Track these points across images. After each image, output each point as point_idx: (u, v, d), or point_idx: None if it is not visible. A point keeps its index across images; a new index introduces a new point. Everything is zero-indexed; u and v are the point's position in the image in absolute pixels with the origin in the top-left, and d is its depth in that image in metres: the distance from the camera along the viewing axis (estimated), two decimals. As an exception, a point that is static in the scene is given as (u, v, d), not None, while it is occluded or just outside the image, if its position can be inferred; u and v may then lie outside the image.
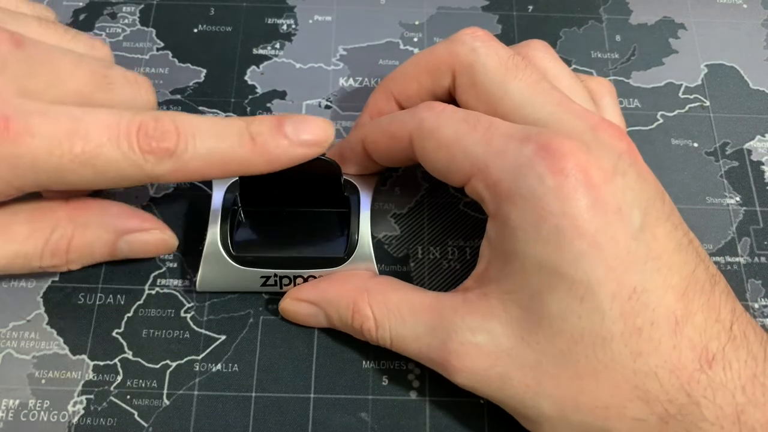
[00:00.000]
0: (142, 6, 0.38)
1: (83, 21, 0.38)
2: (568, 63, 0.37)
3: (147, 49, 0.37)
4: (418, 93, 0.30)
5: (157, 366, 0.29)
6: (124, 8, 0.38)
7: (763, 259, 0.33)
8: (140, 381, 0.29)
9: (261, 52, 0.37)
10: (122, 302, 0.31)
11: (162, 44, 0.37)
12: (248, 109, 0.35)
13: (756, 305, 0.31)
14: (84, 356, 0.29)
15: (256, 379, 0.29)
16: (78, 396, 0.29)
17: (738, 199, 0.34)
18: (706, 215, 0.33)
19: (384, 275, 0.30)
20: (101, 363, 0.29)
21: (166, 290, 0.31)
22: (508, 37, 0.38)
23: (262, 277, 0.30)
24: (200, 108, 0.35)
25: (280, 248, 0.30)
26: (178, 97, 0.36)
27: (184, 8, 0.38)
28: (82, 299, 0.30)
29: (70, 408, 0.29)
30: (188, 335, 0.30)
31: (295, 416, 0.29)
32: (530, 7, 0.39)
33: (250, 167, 0.26)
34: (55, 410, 0.28)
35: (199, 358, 0.30)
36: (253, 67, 0.37)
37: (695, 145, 0.35)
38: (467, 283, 0.27)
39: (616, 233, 0.24)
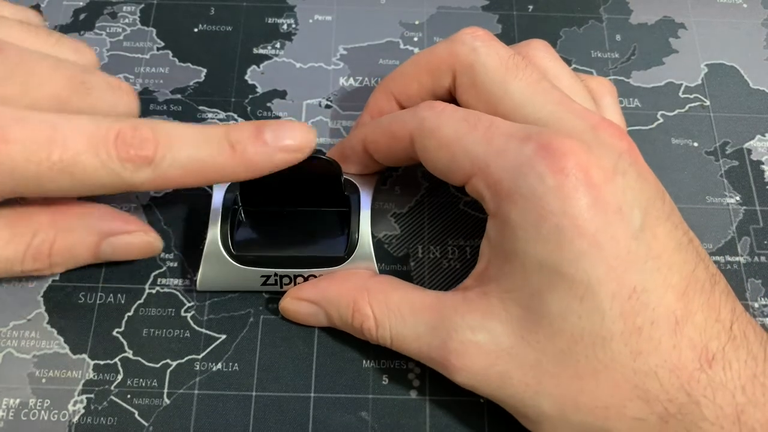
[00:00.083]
0: (143, 5, 0.38)
1: (83, 21, 0.38)
2: (569, 63, 0.37)
3: (147, 48, 0.37)
4: (419, 93, 0.30)
5: (158, 365, 0.29)
6: (124, 8, 0.38)
7: (763, 258, 0.33)
8: (141, 380, 0.29)
9: (261, 51, 0.37)
10: (123, 301, 0.31)
11: (162, 44, 0.37)
12: (248, 108, 0.35)
13: (756, 305, 0.31)
14: (84, 355, 0.29)
15: (257, 379, 0.29)
16: (78, 395, 0.29)
17: (738, 198, 0.34)
18: (706, 215, 0.34)
19: (384, 274, 0.30)
20: (102, 362, 0.29)
21: (166, 289, 0.31)
22: (508, 36, 0.38)
23: (262, 276, 0.30)
24: (200, 107, 0.35)
25: (280, 247, 0.30)
26: (179, 96, 0.36)
27: (184, 8, 0.38)
28: (82, 298, 0.30)
29: (70, 407, 0.29)
30: (189, 334, 0.30)
31: (295, 415, 0.29)
32: (530, 7, 0.39)
33: (230, 175, 0.26)
34: (55, 409, 0.28)
35: (200, 357, 0.30)
36: (254, 66, 0.37)
37: (695, 144, 0.35)
38: (467, 282, 0.27)
39: (616, 233, 0.24)
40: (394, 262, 0.32)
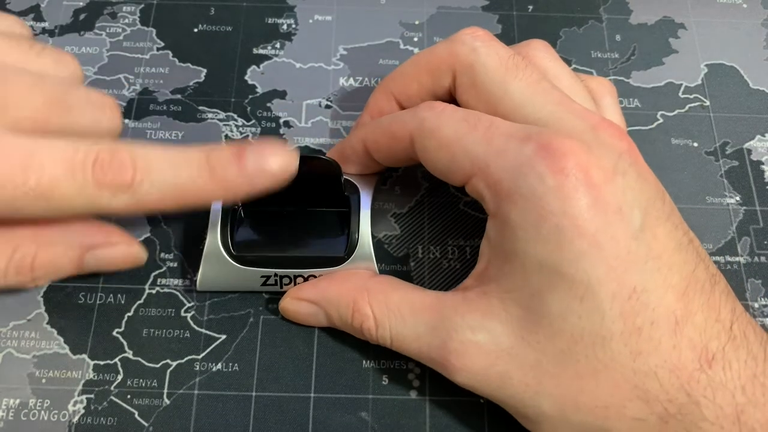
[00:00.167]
0: (143, 6, 0.38)
1: (83, 21, 0.38)
2: (568, 63, 0.37)
3: (147, 48, 0.37)
4: (419, 93, 0.30)
5: (158, 365, 0.29)
6: (124, 8, 0.38)
7: (763, 258, 0.33)
8: (140, 380, 0.29)
9: (261, 51, 0.37)
10: (123, 302, 0.31)
11: (162, 44, 0.37)
12: (248, 108, 0.35)
13: (756, 305, 0.31)
14: (84, 356, 0.29)
15: (257, 379, 0.29)
16: (78, 395, 0.29)
17: (738, 198, 0.34)
18: (706, 215, 0.34)
19: (384, 275, 0.30)
20: (101, 362, 0.29)
21: (166, 290, 0.31)
22: (508, 36, 0.38)
23: (262, 276, 0.30)
24: (200, 107, 0.35)
25: (280, 248, 0.30)
26: (179, 96, 0.36)
27: (184, 8, 0.38)
28: (82, 299, 0.30)
29: (70, 407, 0.29)
30: (188, 335, 0.30)
31: (295, 416, 0.29)
32: (530, 7, 0.39)
33: (209, 198, 0.26)
34: (55, 410, 0.28)
35: (200, 357, 0.30)
36: (254, 66, 0.37)
37: (695, 144, 0.35)
38: (467, 282, 0.27)
39: (616, 233, 0.24)
40: (394, 262, 0.32)
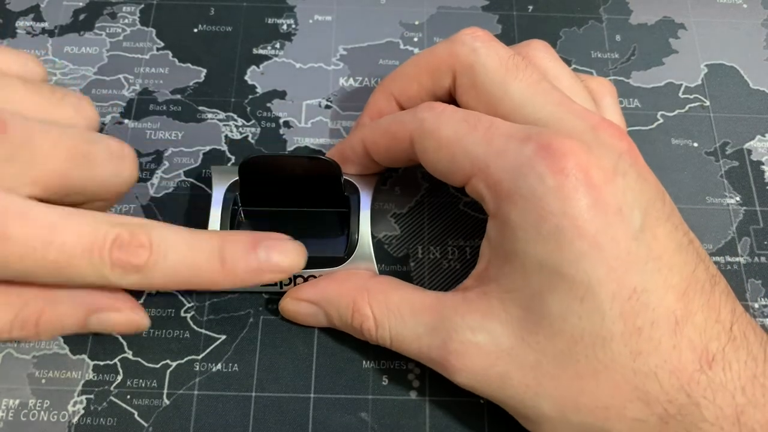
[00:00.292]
0: (142, 6, 0.38)
1: (83, 21, 0.38)
2: (568, 63, 0.37)
3: (147, 48, 0.37)
4: (419, 93, 0.30)
5: (157, 366, 0.29)
6: (124, 8, 0.38)
7: (763, 258, 0.33)
8: (140, 381, 0.29)
9: (261, 51, 0.37)
10: (122, 302, 0.30)
11: (162, 44, 0.37)
12: (248, 108, 0.35)
13: (756, 305, 0.31)
14: (84, 356, 0.29)
15: (256, 379, 0.29)
16: (78, 396, 0.29)
17: (738, 198, 0.34)
18: (706, 215, 0.34)
19: (384, 275, 0.30)
20: (101, 363, 0.29)
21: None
22: (508, 37, 0.38)
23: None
24: (200, 108, 0.35)
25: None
26: (179, 96, 0.36)
27: (184, 8, 0.38)
28: (82, 299, 0.30)
29: (70, 408, 0.29)
30: (188, 335, 0.30)
31: (295, 416, 0.29)
32: (530, 7, 0.39)
33: (212, 285, 0.26)
34: (55, 410, 0.28)
35: (199, 357, 0.30)
36: (253, 66, 0.37)
37: (695, 145, 0.35)
38: (467, 282, 0.27)
39: (616, 233, 0.23)
40: (394, 263, 0.32)
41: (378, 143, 0.29)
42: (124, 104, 0.35)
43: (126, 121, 0.35)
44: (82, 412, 0.28)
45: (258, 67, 0.37)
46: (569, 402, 0.24)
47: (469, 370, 0.25)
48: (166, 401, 0.29)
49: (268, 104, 0.36)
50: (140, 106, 0.35)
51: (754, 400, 0.23)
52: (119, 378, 0.29)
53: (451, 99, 0.29)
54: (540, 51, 0.30)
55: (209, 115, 0.35)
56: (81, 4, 0.38)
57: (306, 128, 0.35)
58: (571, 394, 0.24)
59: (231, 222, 0.29)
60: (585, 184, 0.24)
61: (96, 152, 0.26)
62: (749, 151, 0.35)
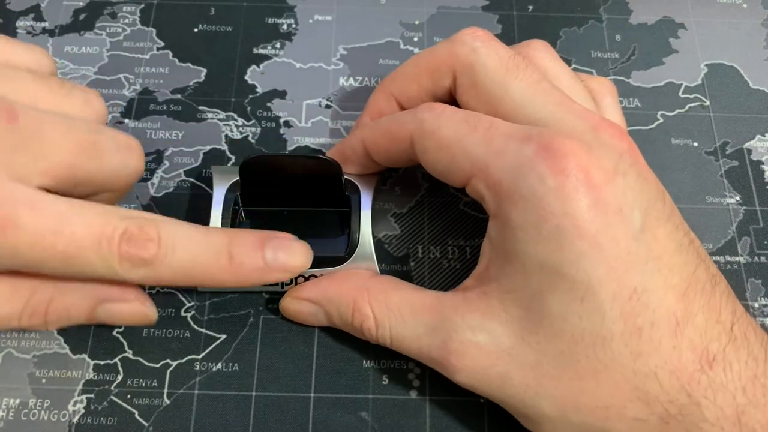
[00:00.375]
0: (143, 6, 0.38)
1: (83, 21, 0.38)
2: (568, 63, 0.37)
3: (147, 48, 0.37)
4: (419, 93, 0.30)
5: (158, 365, 0.29)
6: (124, 8, 0.38)
7: (763, 258, 0.33)
8: (141, 380, 0.29)
9: (261, 51, 0.37)
10: (123, 301, 0.31)
11: (162, 44, 0.37)
12: (248, 108, 0.35)
13: (756, 305, 0.32)
14: (84, 355, 0.29)
15: (257, 379, 0.29)
16: (78, 395, 0.29)
17: (738, 198, 0.34)
18: (706, 215, 0.34)
19: (385, 275, 0.30)
20: (102, 362, 0.29)
21: (166, 289, 0.31)
22: (508, 36, 0.38)
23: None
24: (200, 107, 0.35)
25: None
26: (179, 96, 0.36)
27: (184, 8, 0.38)
28: (82, 298, 0.30)
29: (70, 407, 0.29)
30: (189, 334, 0.30)
31: (295, 415, 0.29)
32: (530, 7, 0.39)
33: (219, 282, 0.26)
34: (55, 409, 0.28)
35: (200, 357, 0.30)
36: (254, 66, 0.37)
37: (695, 144, 0.35)
38: (467, 282, 0.27)
39: (616, 233, 0.24)
40: (394, 262, 0.32)
41: (378, 143, 0.29)
42: (124, 104, 0.35)
43: (126, 120, 0.35)
44: (83, 411, 0.28)
45: (258, 67, 0.37)
46: (569, 402, 0.24)
47: (470, 370, 0.25)
48: (167, 401, 0.29)
49: (269, 104, 0.36)
50: (140, 106, 0.35)
51: (754, 400, 0.23)
52: (120, 377, 0.29)
53: (452, 99, 0.29)
54: (540, 51, 0.30)
55: (209, 115, 0.35)
56: (81, 3, 0.38)
57: (306, 128, 0.35)
58: (572, 394, 0.24)
59: (232, 222, 0.29)
60: (585, 184, 0.24)
61: (104, 143, 0.27)
62: (749, 151, 0.35)
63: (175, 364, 0.29)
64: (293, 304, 0.29)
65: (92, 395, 0.29)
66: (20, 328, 0.27)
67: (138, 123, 0.35)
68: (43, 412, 0.28)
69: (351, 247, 0.29)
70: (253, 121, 0.35)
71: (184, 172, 0.34)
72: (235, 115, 0.35)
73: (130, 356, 0.30)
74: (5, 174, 0.24)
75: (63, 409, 0.28)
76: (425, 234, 0.33)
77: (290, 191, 0.30)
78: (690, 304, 0.24)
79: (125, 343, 0.30)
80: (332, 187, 0.30)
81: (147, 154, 0.34)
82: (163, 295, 0.31)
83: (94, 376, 0.29)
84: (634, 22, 0.39)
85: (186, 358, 0.30)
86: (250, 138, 0.35)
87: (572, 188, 0.24)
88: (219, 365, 0.30)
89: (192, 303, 0.31)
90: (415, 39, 0.38)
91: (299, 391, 0.29)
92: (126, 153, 0.27)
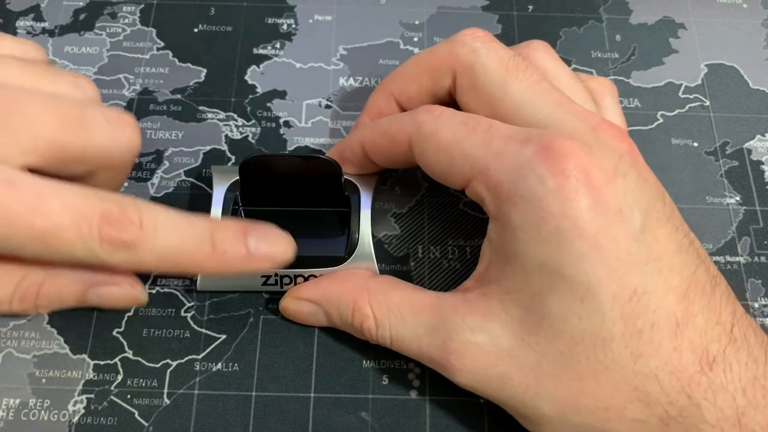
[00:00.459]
0: (143, 6, 0.38)
1: (83, 21, 0.38)
2: (568, 63, 0.37)
3: (147, 48, 0.37)
4: (419, 94, 0.30)
5: (158, 365, 0.29)
6: (124, 8, 0.38)
7: (763, 258, 0.33)
8: (141, 380, 0.29)
9: (261, 51, 0.37)
10: (123, 301, 0.31)
11: (162, 44, 0.37)
12: (248, 108, 0.35)
13: (756, 305, 0.32)
14: (84, 355, 0.29)
15: (257, 379, 0.29)
16: (78, 395, 0.29)
17: (738, 198, 0.34)
18: (706, 215, 0.34)
19: (384, 275, 0.30)
20: (102, 362, 0.29)
21: (166, 290, 0.31)
22: (508, 37, 0.38)
23: (262, 276, 0.30)
24: (200, 108, 0.35)
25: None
26: (179, 96, 0.36)
27: (184, 8, 0.38)
28: (82, 299, 0.30)
29: (70, 407, 0.29)
30: (189, 334, 0.30)
31: (295, 415, 0.29)
32: (530, 7, 0.39)
33: (202, 269, 0.26)
34: (55, 409, 0.28)
35: (200, 357, 0.30)
36: (254, 66, 0.37)
37: (695, 144, 0.35)
38: (468, 283, 0.27)
39: (616, 234, 0.23)
40: (394, 262, 0.32)
41: (376, 145, 0.29)
42: (124, 104, 0.35)
43: (126, 120, 0.35)
44: (83, 411, 0.28)
45: (258, 67, 0.37)
46: (569, 402, 0.24)
47: (470, 371, 0.25)
48: (167, 401, 0.29)
49: (269, 104, 0.36)
50: (140, 106, 0.35)
51: (754, 401, 0.23)
52: (119, 377, 0.29)
53: (452, 99, 0.29)
54: (540, 51, 0.30)
55: (209, 115, 0.35)
56: (81, 3, 0.38)
57: (306, 128, 0.35)
58: (571, 395, 0.24)
59: (231, 222, 0.29)
60: (585, 185, 0.24)
61: (91, 117, 0.26)
62: (749, 151, 0.35)
63: (175, 364, 0.29)
64: (293, 305, 0.30)
65: (92, 395, 0.29)
66: (10, 312, 0.27)
67: (138, 123, 0.35)
68: (43, 412, 0.28)
69: (350, 247, 0.29)
70: (253, 121, 0.35)
71: (184, 172, 0.34)
72: (235, 115, 0.35)
73: (130, 356, 0.30)
74: None
75: (63, 409, 0.29)
76: (425, 234, 0.33)
77: (290, 191, 0.30)
78: (690, 305, 0.24)
79: (125, 343, 0.30)
80: (332, 187, 0.30)
81: (147, 154, 0.34)
82: (163, 295, 0.31)
83: (94, 376, 0.29)
84: (634, 22, 0.39)
85: (186, 358, 0.30)
86: (250, 138, 0.35)
87: (572, 189, 0.24)
88: (219, 365, 0.30)
89: (192, 303, 0.31)
90: (415, 39, 0.38)
91: (299, 391, 0.29)
92: (117, 127, 0.27)
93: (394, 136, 0.28)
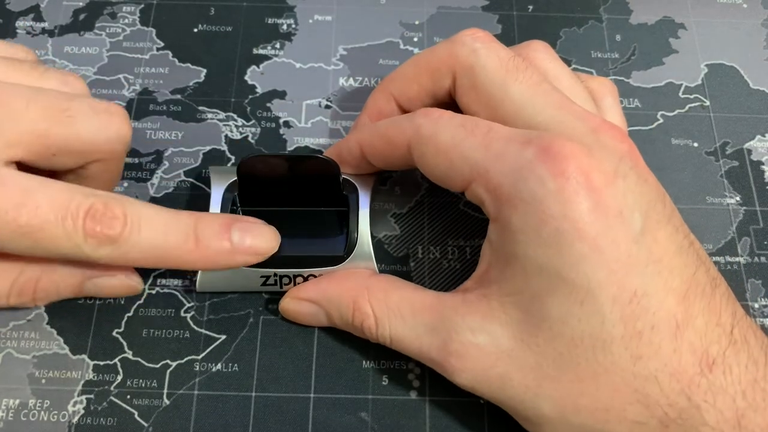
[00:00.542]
0: (142, 6, 0.38)
1: (83, 21, 0.38)
2: (568, 63, 0.37)
3: (147, 48, 0.37)
4: (418, 94, 0.30)
5: (157, 366, 0.29)
6: (124, 8, 0.38)
7: (763, 258, 0.33)
8: (140, 381, 0.29)
9: (261, 51, 0.37)
10: (122, 302, 0.31)
11: (162, 44, 0.37)
12: (248, 108, 0.35)
13: (756, 305, 0.32)
14: (84, 356, 0.29)
15: (256, 379, 0.29)
16: (78, 396, 0.29)
17: (738, 198, 0.34)
18: (706, 215, 0.34)
19: (384, 274, 0.30)
20: (101, 363, 0.29)
21: (166, 290, 0.31)
22: (508, 37, 0.38)
23: (262, 276, 0.30)
24: (200, 108, 0.35)
25: (279, 247, 0.30)
26: (179, 96, 0.36)
27: (184, 8, 0.38)
28: (82, 299, 0.30)
29: (70, 408, 0.29)
30: (188, 335, 0.30)
31: (295, 416, 0.29)
32: (530, 7, 0.39)
33: (187, 265, 0.26)
34: (55, 410, 0.28)
35: (199, 357, 0.30)
36: (254, 66, 0.37)
37: (695, 144, 0.35)
38: (468, 284, 0.27)
39: (617, 236, 0.23)
40: (394, 263, 0.32)
41: (374, 147, 0.29)
42: (124, 104, 0.35)
43: (126, 120, 0.35)
44: (82, 412, 0.28)
45: (258, 67, 0.37)
46: (569, 403, 0.24)
47: (470, 371, 0.25)
48: (166, 401, 0.29)
49: (268, 104, 0.36)
50: (140, 106, 0.35)
51: (754, 404, 0.23)
52: (119, 378, 0.29)
53: (452, 100, 0.29)
54: (540, 52, 0.29)
55: (209, 115, 0.35)
56: (81, 4, 0.38)
57: (306, 128, 0.35)
58: (571, 396, 0.24)
59: (231, 222, 0.29)
60: (585, 187, 0.24)
61: (76, 108, 0.26)
62: (749, 151, 0.35)
63: (174, 364, 0.29)
64: (293, 305, 0.29)
65: (92, 396, 0.29)
66: (8, 306, 0.28)
67: (138, 123, 0.35)
68: (42, 412, 0.28)
69: (349, 246, 0.29)
70: (253, 121, 0.35)
71: (184, 172, 0.34)
72: (235, 116, 0.35)
73: (130, 357, 0.30)
74: None
75: (63, 409, 0.29)
76: (425, 234, 0.33)
77: (288, 191, 0.30)
78: (690, 307, 0.24)
79: (125, 343, 0.30)
80: (330, 186, 0.30)
81: (146, 155, 0.34)
82: (162, 295, 0.31)
83: (93, 377, 0.29)
84: (634, 22, 0.39)
85: (186, 359, 0.30)
86: (249, 138, 0.35)
87: (572, 191, 0.23)
88: (219, 366, 0.30)
89: (192, 303, 0.31)
90: (415, 39, 0.38)
91: (299, 392, 0.29)
92: (104, 116, 0.27)
93: (392, 139, 0.28)
